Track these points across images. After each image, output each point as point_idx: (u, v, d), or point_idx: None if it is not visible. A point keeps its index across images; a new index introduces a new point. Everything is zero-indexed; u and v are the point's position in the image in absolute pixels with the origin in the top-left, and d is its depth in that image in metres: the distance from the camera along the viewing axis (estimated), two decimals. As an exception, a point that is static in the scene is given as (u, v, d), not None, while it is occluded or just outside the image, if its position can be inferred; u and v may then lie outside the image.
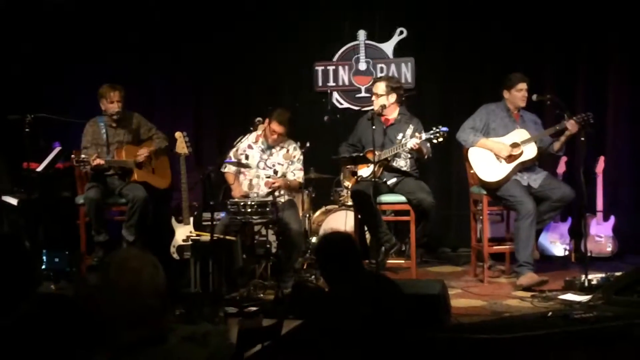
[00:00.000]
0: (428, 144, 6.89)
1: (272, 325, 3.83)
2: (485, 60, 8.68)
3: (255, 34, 9.03)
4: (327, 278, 4.33)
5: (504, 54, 8.52)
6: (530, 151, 6.90)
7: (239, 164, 7.02)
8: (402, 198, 6.98)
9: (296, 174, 7.14)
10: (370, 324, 3.84)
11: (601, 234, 8.04)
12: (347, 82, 9.06)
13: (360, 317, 3.85)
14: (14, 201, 7.56)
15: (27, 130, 6.87)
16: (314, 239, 7.67)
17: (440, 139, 6.76)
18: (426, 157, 7.03)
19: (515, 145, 6.89)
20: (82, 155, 7.08)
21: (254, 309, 5.44)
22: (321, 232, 7.74)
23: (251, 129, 6.82)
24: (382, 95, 7.10)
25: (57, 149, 7.66)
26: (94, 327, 3.05)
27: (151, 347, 2.43)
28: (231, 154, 7.17)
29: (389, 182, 7.07)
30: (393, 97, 7.13)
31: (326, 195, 8.30)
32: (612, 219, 8.08)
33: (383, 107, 7.05)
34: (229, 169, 7.27)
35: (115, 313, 2.46)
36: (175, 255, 7.08)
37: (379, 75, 8.77)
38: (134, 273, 2.47)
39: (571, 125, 6.76)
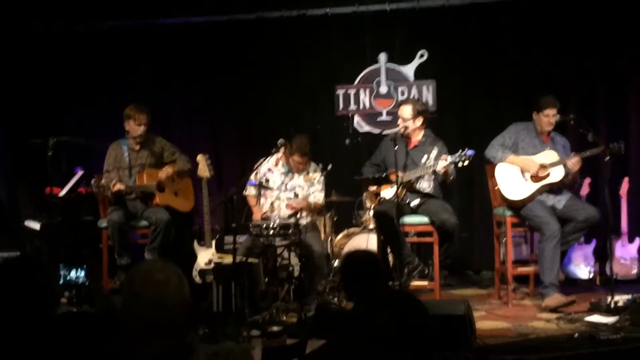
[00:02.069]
0: (452, 167, 6.86)
1: (296, 344, 3.80)
2: (506, 82, 8.67)
3: (276, 56, 9.08)
4: (351, 296, 4.30)
5: (525, 75, 8.51)
6: (557, 174, 6.87)
7: (261, 185, 7.03)
8: (425, 219, 6.94)
9: (317, 196, 7.15)
10: (395, 342, 3.80)
11: (626, 256, 7.94)
12: (368, 106, 9.05)
13: (384, 336, 3.81)
14: (36, 226, 7.60)
15: (49, 154, 6.89)
16: (336, 262, 7.63)
17: (466, 162, 6.73)
18: (451, 178, 7.00)
19: (543, 166, 6.86)
20: (102, 181, 7.10)
21: (277, 328, 5.39)
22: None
23: (273, 150, 6.82)
24: (408, 119, 7.09)
25: (80, 173, 7.71)
26: (116, 342, 3.04)
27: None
28: (252, 176, 7.18)
29: (412, 204, 7.04)
30: (419, 121, 7.12)
31: (348, 219, 8.26)
32: (637, 240, 7.98)
33: (406, 128, 7.04)
34: (250, 192, 7.29)
35: (141, 324, 2.44)
36: (198, 279, 7.03)
37: (400, 98, 8.77)
38: (159, 285, 2.46)
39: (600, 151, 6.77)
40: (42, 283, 3.03)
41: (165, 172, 7.34)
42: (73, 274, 7.15)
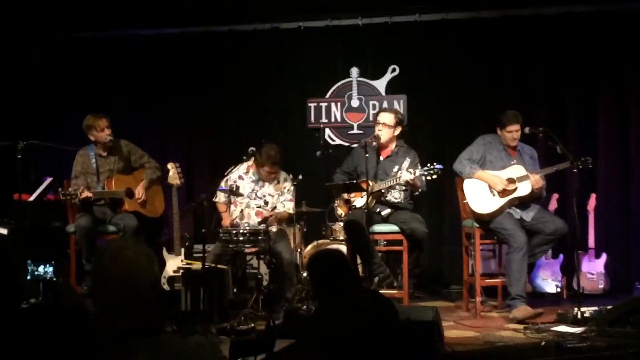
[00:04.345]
0: (423, 178, 6.90)
1: (265, 339, 3.79)
2: (477, 96, 8.76)
3: (249, 67, 9.14)
4: (318, 294, 4.29)
5: (496, 90, 8.63)
6: (524, 188, 6.92)
7: (231, 191, 7.02)
8: (395, 228, 6.97)
9: (286, 205, 7.17)
10: (363, 339, 3.80)
11: (593, 271, 8.01)
12: (339, 119, 9.10)
13: (352, 333, 3.81)
14: (4, 231, 7.51)
15: (19, 157, 6.83)
16: (305, 274, 7.61)
17: (435, 176, 6.79)
18: (419, 190, 7.04)
19: (511, 180, 6.91)
20: (70, 189, 7.06)
21: (245, 327, 5.37)
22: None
23: (244, 157, 6.82)
24: (391, 125, 7.13)
25: (49, 180, 7.65)
26: (83, 335, 3.01)
27: (146, 337, 2.39)
28: (222, 183, 7.18)
29: (382, 213, 7.07)
30: (398, 130, 7.19)
31: (318, 230, 8.27)
32: (604, 256, 8.06)
33: (378, 137, 7.07)
34: (220, 199, 7.29)
35: (110, 302, 2.43)
36: (166, 287, 7.00)
37: (372, 112, 8.82)
38: (129, 262, 2.45)
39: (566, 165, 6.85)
40: (5, 273, 2.97)
41: (140, 194, 7.30)
42: (41, 269, 7.08)
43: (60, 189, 7.08)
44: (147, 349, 2.37)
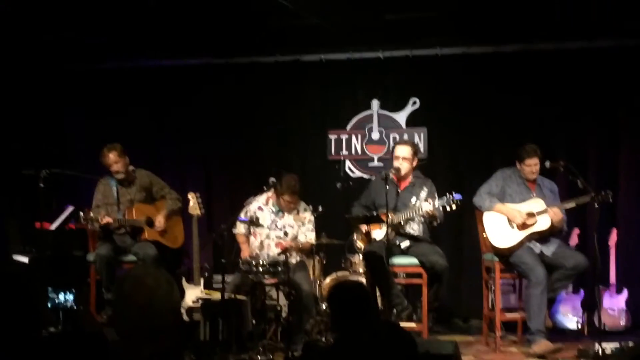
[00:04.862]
0: (441, 209, 6.89)
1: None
2: (497, 129, 8.75)
3: (269, 99, 9.18)
4: (337, 326, 4.28)
5: (516, 123, 8.60)
6: (544, 222, 6.90)
7: (251, 222, 7.03)
8: (415, 260, 6.95)
9: (308, 235, 7.19)
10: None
11: (614, 307, 7.93)
12: (359, 151, 9.11)
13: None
14: (25, 259, 7.56)
15: (41, 185, 6.89)
16: (324, 306, 7.59)
17: (454, 207, 6.77)
18: (438, 222, 7.02)
19: (531, 214, 6.89)
20: (91, 214, 7.10)
21: (264, 358, 5.35)
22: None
23: (264, 188, 6.86)
24: (409, 158, 7.14)
25: (70, 209, 7.69)
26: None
27: (166, 364, 2.40)
28: (242, 214, 7.20)
29: (402, 245, 7.05)
30: (415, 162, 7.19)
31: (337, 262, 8.23)
32: (625, 292, 7.98)
33: (398, 170, 7.08)
34: (240, 230, 7.30)
35: (131, 328, 2.44)
36: (185, 317, 7.00)
37: (392, 145, 8.82)
38: (150, 289, 2.46)
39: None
40: (26, 300, 2.97)
41: (160, 223, 7.34)
42: (61, 297, 7.11)
43: (81, 213, 7.11)
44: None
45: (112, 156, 7.29)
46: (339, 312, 4.21)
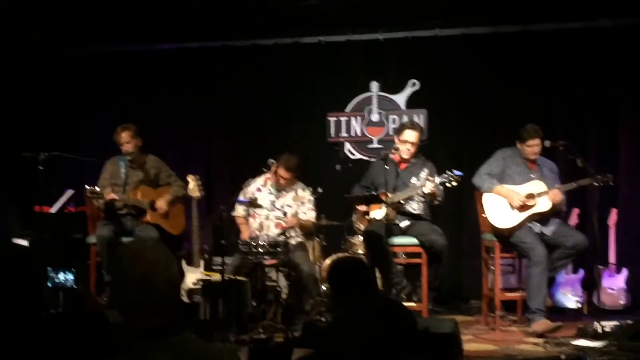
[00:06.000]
0: (441, 187, 6.90)
1: (282, 346, 3.79)
2: (497, 110, 8.74)
3: (269, 81, 9.19)
4: (337, 302, 4.30)
5: (516, 103, 8.58)
6: (544, 204, 6.90)
7: (251, 203, 7.04)
8: (415, 240, 6.96)
9: (308, 214, 7.21)
10: (381, 348, 3.80)
11: (614, 287, 7.94)
12: (359, 133, 9.10)
13: (369, 341, 3.81)
14: (25, 243, 7.57)
15: (40, 168, 6.88)
16: (324, 287, 7.61)
17: (454, 183, 6.79)
18: (439, 199, 7.03)
19: (530, 196, 6.89)
20: (97, 188, 7.10)
21: (264, 336, 5.37)
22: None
23: (264, 169, 6.87)
24: (416, 143, 7.15)
25: (70, 192, 7.69)
26: (104, 342, 3.02)
27: (165, 338, 2.40)
28: (241, 195, 7.21)
29: (401, 225, 7.06)
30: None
31: (337, 244, 8.24)
32: (625, 271, 7.99)
33: (397, 149, 7.08)
34: (239, 212, 7.31)
35: (129, 301, 2.44)
36: (185, 299, 7.02)
37: (392, 126, 8.83)
38: (149, 263, 2.46)
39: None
40: (27, 282, 2.98)
41: (162, 206, 7.35)
42: (61, 276, 7.12)
43: (87, 187, 7.11)
44: (167, 349, 2.38)
45: (124, 135, 7.33)
46: (340, 285, 4.22)
